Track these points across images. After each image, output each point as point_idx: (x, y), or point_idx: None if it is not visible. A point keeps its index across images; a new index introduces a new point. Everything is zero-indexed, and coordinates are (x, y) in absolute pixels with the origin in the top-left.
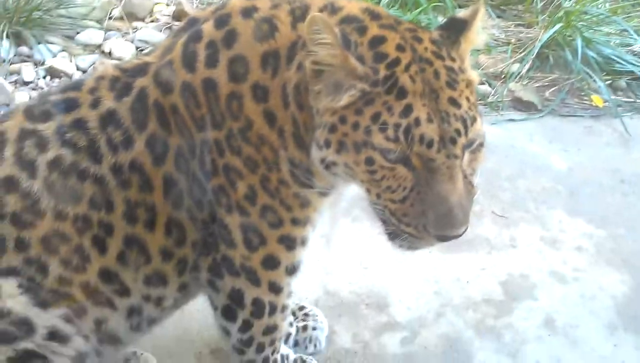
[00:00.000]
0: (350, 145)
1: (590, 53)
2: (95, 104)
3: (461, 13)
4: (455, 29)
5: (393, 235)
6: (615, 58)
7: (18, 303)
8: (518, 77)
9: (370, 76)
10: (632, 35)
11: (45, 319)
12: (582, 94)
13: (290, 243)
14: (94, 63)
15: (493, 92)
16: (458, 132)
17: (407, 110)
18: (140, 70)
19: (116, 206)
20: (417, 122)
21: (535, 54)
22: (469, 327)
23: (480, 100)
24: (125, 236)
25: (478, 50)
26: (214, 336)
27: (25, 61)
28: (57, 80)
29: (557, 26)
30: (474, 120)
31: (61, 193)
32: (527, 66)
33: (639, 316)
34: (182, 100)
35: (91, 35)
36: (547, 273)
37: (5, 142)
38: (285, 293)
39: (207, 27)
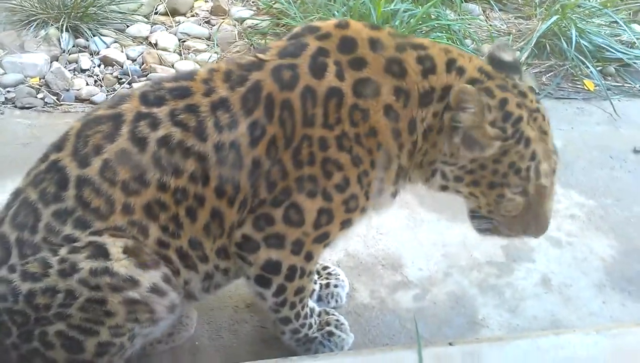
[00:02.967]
0: (485, 184)
1: (583, 42)
2: (208, 93)
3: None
4: (511, 69)
5: (482, 230)
6: (606, 46)
7: (123, 266)
8: None
9: (500, 135)
10: (621, 26)
11: (148, 278)
12: (575, 78)
13: (347, 226)
14: (142, 53)
15: None
16: (555, 162)
17: (533, 155)
18: (256, 65)
19: (211, 181)
20: (539, 162)
21: (533, 43)
22: (473, 286)
23: None
24: (212, 209)
25: (481, 40)
26: (248, 293)
27: (82, 51)
28: (110, 68)
29: (554, 18)
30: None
31: (166, 167)
32: (526, 54)
33: (625, 276)
34: (301, 99)
35: (139, 28)
36: (544, 238)
37: (122, 121)
38: (315, 261)
39: (333, 47)
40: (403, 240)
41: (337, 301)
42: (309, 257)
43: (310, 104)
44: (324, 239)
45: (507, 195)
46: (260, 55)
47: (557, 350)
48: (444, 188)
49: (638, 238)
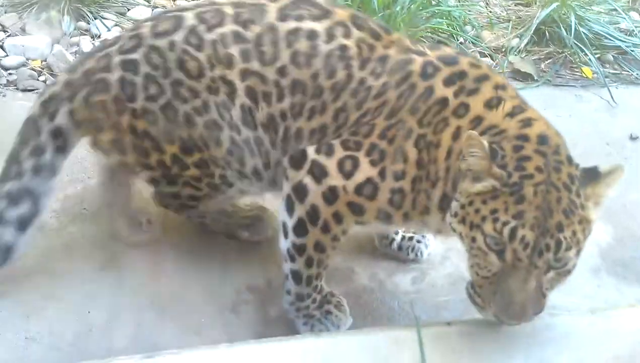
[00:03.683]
0: (467, 222)
1: (582, 29)
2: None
3: (604, 166)
4: (591, 176)
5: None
6: (604, 34)
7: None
8: (517, 51)
9: (504, 178)
10: (620, 14)
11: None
12: (574, 66)
13: (383, 218)
14: None
15: (495, 64)
16: (548, 247)
17: (519, 214)
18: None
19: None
20: (523, 226)
21: (533, 30)
22: None
23: None
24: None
25: (481, 26)
26: (249, 275)
27: (83, 34)
28: None
29: (553, 5)
30: (568, 248)
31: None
32: (525, 41)
33: (620, 261)
34: (425, 90)
35: (140, 11)
36: None
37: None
38: (342, 229)
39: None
40: None
41: (416, 255)
42: (337, 218)
43: (421, 101)
44: (357, 210)
45: (479, 241)
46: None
47: (553, 330)
48: (450, 225)
49: (633, 224)
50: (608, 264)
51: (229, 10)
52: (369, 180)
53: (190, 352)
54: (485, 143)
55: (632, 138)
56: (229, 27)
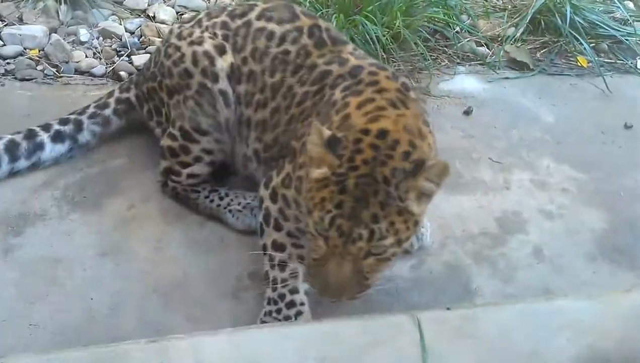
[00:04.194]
0: (306, 207)
1: (578, 19)
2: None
3: (430, 162)
4: (416, 170)
5: None
6: (599, 23)
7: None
8: (513, 40)
9: (334, 168)
10: (615, 3)
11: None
12: (569, 55)
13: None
14: (140, 26)
15: (490, 53)
16: (361, 237)
17: (340, 204)
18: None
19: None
20: (341, 216)
21: (528, 19)
22: (468, 256)
23: (479, 60)
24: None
25: (477, 15)
26: (250, 262)
27: (80, 24)
28: (109, 40)
29: None
30: (383, 237)
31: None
32: (521, 30)
33: (615, 247)
34: (326, 101)
35: (137, 1)
36: (537, 210)
37: None
38: (288, 223)
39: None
40: None
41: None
42: (284, 199)
43: (328, 104)
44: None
45: (310, 226)
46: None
47: (551, 314)
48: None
49: (628, 211)
50: (603, 251)
51: (230, 7)
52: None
53: (194, 336)
54: (326, 132)
55: (627, 126)
56: (221, 18)
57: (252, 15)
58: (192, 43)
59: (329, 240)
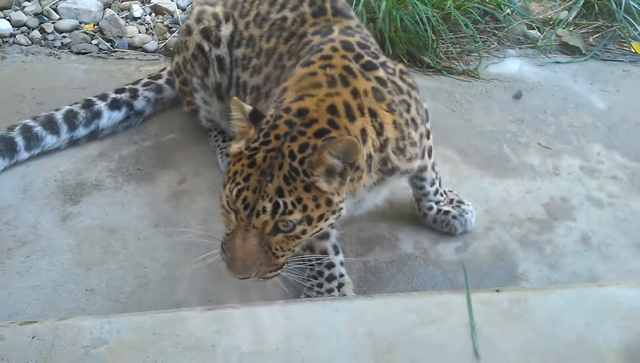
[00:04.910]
0: (224, 182)
1: (633, 3)
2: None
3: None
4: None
5: None
6: None
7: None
8: (565, 24)
9: (249, 142)
10: None
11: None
12: (623, 40)
13: None
14: (191, 2)
15: (542, 37)
16: (264, 210)
17: (248, 177)
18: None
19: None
20: (247, 188)
21: (582, 3)
22: (514, 241)
23: (530, 44)
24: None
25: None
26: None
27: None
28: (160, 16)
29: None
30: (289, 212)
31: None
32: (574, 14)
33: None
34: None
35: None
36: (585, 198)
37: None
38: None
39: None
40: None
41: (450, 229)
42: None
43: None
44: None
45: (223, 201)
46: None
47: (601, 301)
48: None
49: None
50: None
51: None
52: None
53: (249, 306)
54: (247, 108)
55: None
56: None
57: None
58: (200, 3)
59: (237, 214)
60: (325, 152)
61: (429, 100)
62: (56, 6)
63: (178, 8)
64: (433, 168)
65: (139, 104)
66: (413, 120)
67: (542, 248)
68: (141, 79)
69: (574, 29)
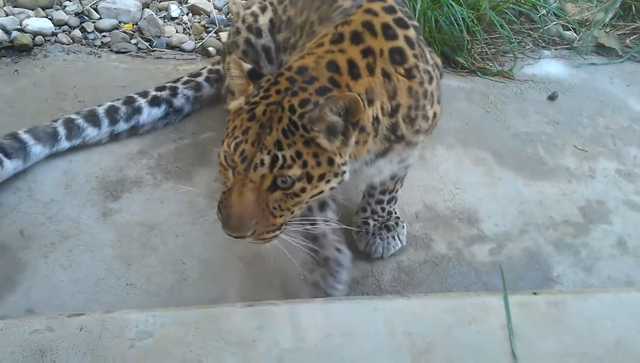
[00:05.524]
0: (222, 140)
1: None
2: None
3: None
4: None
5: None
6: None
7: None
8: (602, 25)
9: (249, 98)
10: None
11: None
12: None
13: None
14: (227, 3)
15: (578, 38)
16: (262, 163)
17: (247, 130)
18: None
19: None
20: (245, 141)
21: (619, 4)
22: (549, 243)
23: (565, 45)
24: None
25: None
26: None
27: (171, 0)
28: (197, 17)
29: None
30: (288, 167)
31: None
32: (610, 15)
33: None
34: None
35: None
36: (622, 201)
37: None
38: None
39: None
40: (480, 195)
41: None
42: None
43: None
44: None
45: (221, 157)
46: None
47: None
48: None
49: None
50: None
51: None
52: None
53: (289, 303)
54: (246, 66)
55: None
56: None
57: None
58: (244, 8)
59: (235, 168)
60: (326, 108)
61: (463, 101)
62: (96, 6)
63: (215, 8)
64: (402, 179)
65: (178, 101)
66: (432, 94)
67: (578, 252)
68: (181, 77)
69: (610, 30)
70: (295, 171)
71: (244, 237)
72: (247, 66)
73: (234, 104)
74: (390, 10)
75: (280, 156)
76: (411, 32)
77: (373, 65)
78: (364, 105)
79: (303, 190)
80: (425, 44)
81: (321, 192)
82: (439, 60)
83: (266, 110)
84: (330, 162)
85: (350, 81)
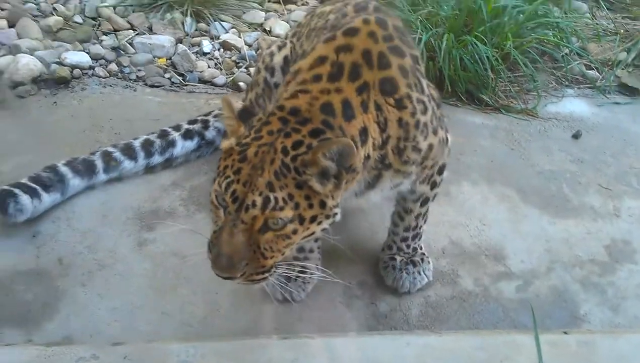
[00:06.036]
0: (213, 180)
1: None
2: None
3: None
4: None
5: None
6: None
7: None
8: (625, 65)
9: (240, 138)
10: None
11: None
12: None
13: None
14: (257, 39)
15: (601, 77)
16: (254, 204)
17: (238, 171)
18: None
19: None
20: (237, 181)
21: None
22: (575, 282)
23: (588, 84)
24: None
25: (588, 38)
26: (359, 271)
27: (203, 35)
28: (228, 52)
29: None
30: (280, 208)
31: None
32: (633, 55)
33: None
34: None
35: (254, 15)
36: None
37: None
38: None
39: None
40: (505, 232)
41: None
42: None
43: None
44: None
45: (212, 196)
46: None
47: None
48: None
49: None
50: None
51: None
52: None
53: (324, 337)
54: (236, 106)
55: None
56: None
57: (327, 7)
58: (266, 47)
59: (226, 208)
60: (319, 153)
61: (487, 138)
62: (132, 41)
63: (245, 44)
64: (423, 215)
65: (209, 134)
66: (426, 125)
67: (604, 291)
68: (212, 111)
69: (633, 70)
70: (287, 213)
71: (233, 278)
72: (237, 106)
73: (225, 143)
74: (388, 38)
75: (272, 197)
76: (406, 61)
77: (367, 101)
78: (357, 147)
79: (295, 232)
80: (423, 74)
81: (313, 234)
82: (435, 93)
83: (258, 151)
84: (322, 204)
85: (343, 123)
